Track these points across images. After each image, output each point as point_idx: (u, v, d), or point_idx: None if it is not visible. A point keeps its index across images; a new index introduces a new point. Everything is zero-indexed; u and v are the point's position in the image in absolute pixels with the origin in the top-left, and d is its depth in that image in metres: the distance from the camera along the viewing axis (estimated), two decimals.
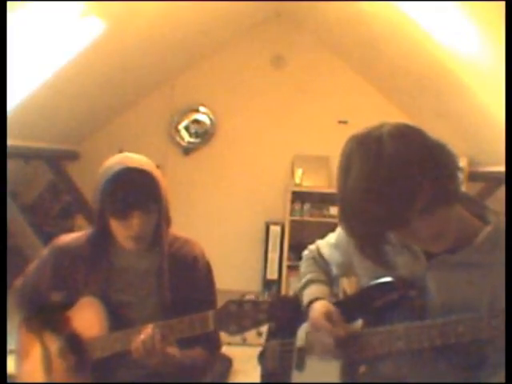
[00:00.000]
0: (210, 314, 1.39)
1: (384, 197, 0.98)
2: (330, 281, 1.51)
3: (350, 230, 1.08)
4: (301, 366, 1.44)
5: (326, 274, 1.51)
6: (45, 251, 1.72)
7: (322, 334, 1.30)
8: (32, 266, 1.74)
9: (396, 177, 0.97)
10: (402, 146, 0.99)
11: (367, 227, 1.03)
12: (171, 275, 1.58)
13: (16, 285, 1.75)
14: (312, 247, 1.56)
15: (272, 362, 1.52)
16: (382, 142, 1.00)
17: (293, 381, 1.45)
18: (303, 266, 1.55)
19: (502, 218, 1.14)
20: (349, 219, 1.06)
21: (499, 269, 1.06)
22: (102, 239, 1.61)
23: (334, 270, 1.48)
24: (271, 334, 1.56)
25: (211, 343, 1.61)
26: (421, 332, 1.13)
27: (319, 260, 1.52)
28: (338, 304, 1.39)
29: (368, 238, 1.07)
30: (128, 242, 1.55)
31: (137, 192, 1.49)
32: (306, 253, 1.58)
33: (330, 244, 1.48)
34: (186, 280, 1.60)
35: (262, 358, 1.57)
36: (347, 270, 1.43)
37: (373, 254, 1.10)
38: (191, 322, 1.41)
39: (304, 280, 1.50)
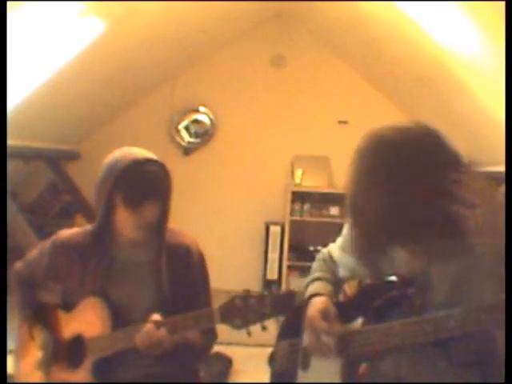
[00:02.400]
0: (216, 308, 1.40)
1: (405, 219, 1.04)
2: (337, 281, 1.53)
3: (360, 229, 1.13)
4: (306, 366, 1.44)
5: (333, 274, 1.53)
6: (46, 243, 1.72)
7: (320, 333, 1.31)
8: (33, 254, 1.75)
9: (421, 204, 1.04)
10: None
11: (378, 237, 1.09)
12: (167, 267, 1.60)
13: (16, 267, 1.76)
14: (324, 250, 1.60)
15: (281, 362, 1.53)
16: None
17: (298, 380, 1.46)
18: (313, 266, 1.59)
19: (494, 204, 1.12)
20: (358, 220, 1.12)
21: (495, 256, 1.05)
22: (106, 233, 1.61)
23: (341, 272, 1.51)
24: (281, 335, 1.56)
25: (207, 334, 1.62)
26: (416, 328, 1.14)
27: (329, 262, 1.55)
28: (338, 304, 1.40)
29: (372, 242, 1.12)
30: (135, 231, 1.57)
31: (153, 182, 1.55)
32: (318, 255, 1.61)
33: (338, 247, 1.52)
34: (180, 271, 1.62)
35: (272, 359, 1.57)
36: (353, 272, 1.45)
37: (369, 260, 1.14)
38: (197, 317, 1.43)
39: (310, 277, 1.53)
